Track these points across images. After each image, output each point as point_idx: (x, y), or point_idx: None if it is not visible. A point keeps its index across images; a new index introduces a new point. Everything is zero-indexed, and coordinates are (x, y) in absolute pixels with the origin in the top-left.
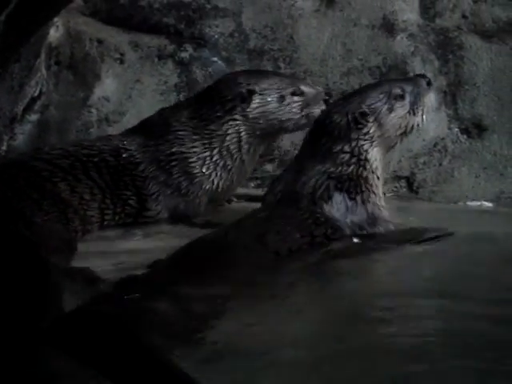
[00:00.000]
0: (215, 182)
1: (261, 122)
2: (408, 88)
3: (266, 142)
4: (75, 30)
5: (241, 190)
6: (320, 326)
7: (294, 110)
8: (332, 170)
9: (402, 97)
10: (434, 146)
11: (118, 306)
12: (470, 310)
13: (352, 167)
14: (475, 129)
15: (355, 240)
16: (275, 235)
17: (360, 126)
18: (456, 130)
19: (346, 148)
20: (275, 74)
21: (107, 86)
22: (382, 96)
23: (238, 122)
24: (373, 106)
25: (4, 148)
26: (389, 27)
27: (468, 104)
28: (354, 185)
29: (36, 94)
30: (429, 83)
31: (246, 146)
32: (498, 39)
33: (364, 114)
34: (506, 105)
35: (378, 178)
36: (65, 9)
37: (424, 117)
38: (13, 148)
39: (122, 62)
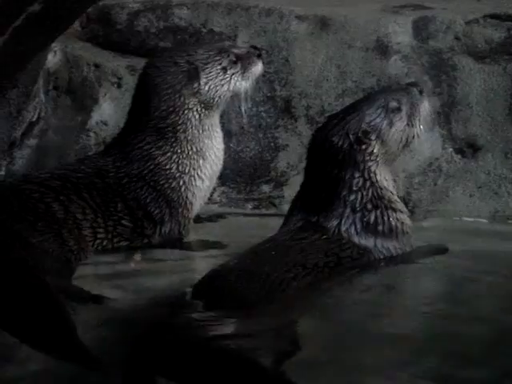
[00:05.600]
0: (197, 173)
1: (212, 96)
2: (403, 99)
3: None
4: (73, 55)
5: (237, 210)
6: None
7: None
8: (352, 198)
9: (398, 109)
10: (429, 165)
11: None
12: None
13: (371, 191)
14: (469, 148)
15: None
16: (299, 252)
17: (364, 146)
18: (450, 149)
19: (356, 173)
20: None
21: (105, 110)
22: (379, 111)
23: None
24: (373, 123)
25: (2, 173)
26: (383, 49)
27: (462, 124)
28: (381, 214)
29: (34, 119)
30: (421, 91)
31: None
32: (491, 60)
33: (366, 133)
34: (499, 124)
35: (393, 193)
36: (62, 34)
37: (421, 127)
38: (12, 173)
39: (119, 86)
